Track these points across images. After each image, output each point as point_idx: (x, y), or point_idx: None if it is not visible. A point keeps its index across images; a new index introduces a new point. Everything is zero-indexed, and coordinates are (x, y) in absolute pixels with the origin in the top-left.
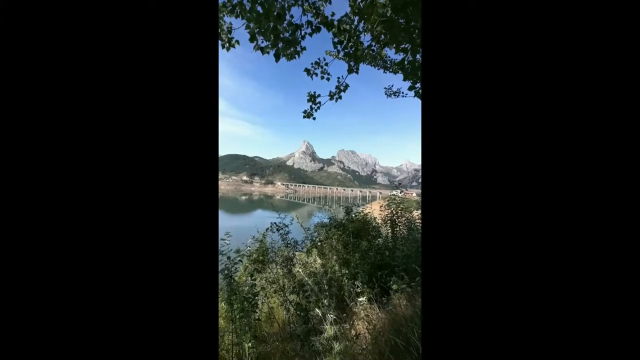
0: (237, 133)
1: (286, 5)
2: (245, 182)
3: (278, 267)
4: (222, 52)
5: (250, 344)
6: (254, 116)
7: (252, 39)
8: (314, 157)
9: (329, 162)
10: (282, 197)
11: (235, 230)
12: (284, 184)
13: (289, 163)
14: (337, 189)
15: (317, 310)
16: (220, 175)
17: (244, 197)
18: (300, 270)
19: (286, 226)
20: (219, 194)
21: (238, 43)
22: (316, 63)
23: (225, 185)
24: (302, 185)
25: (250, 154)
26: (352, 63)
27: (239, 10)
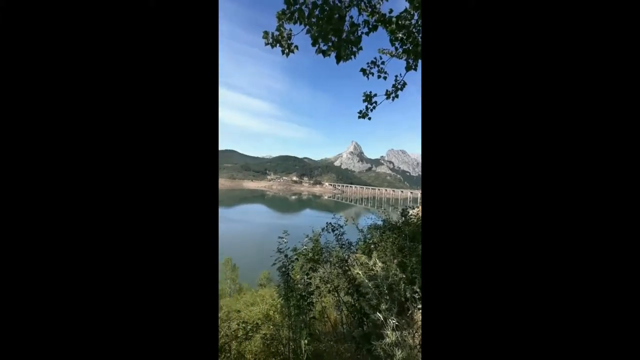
0: (288, 135)
1: (343, 6)
2: (295, 182)
3: (333, 267)
4: (271, 58)
5: (306, 341)
6: (303, 118)
7: (315, 42)
8: (361, 158)
9: (377, 162)
10: (330, 197)
11: (286, 228)
12: (331, 185)
13: (337, 164)
14: (385, 190)
15: (378, 314)
16: (272, 176)
17: (293, 197)
18: (359, 272)
19: (341, 227)
20: (271, 194)
21: (297, 48)
22: (372, 62)
23: (277, 185)
24: (349, 185)
25: (299, 155)
26: (410, 60)
27: (297, 16)
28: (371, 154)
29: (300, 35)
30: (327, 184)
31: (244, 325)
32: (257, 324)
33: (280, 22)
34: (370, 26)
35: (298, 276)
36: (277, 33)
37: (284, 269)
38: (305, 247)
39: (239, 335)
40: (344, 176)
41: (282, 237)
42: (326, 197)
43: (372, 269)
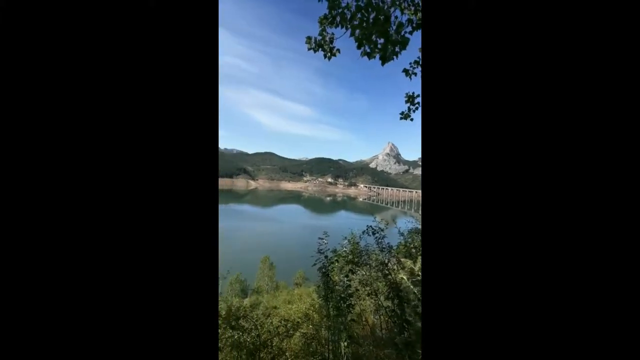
0: (323, 137)
1: (385, 7)
2: (330, 183)
3: (372, 270)
4: (308, 61)
5: (345, 343)
6: (339, 120)
7: (360, 45)
8: (398, 159)
9: (415, 164)
10: (365, 199)
11: (322, 229)
12: (366, 187)
13: (372, 165)
14: None
15: None
16: (308, 177)
17: (328, 198)
18: (404, 277)
19: (382, 230)
20: (307, 195)
21: (339, 51)
22: (415, 62)
23: (312, 186)
24: (385, 188)
25: (334, 157)
26: None
27: (339, 20)
28: (409, 155)
29: (339, 38)
30: (362, 185)
31: (284, 322)
32: (297, 322)
33: (323, 27)
34: (414, 25)
35: (336, 277)
36: (319, 37)
37: (324, 270)
38: (344, 249)
39: (280, 332)
40: (380, 178)
41: (322, 238)
42: (361, 199)
43: (418, 275)
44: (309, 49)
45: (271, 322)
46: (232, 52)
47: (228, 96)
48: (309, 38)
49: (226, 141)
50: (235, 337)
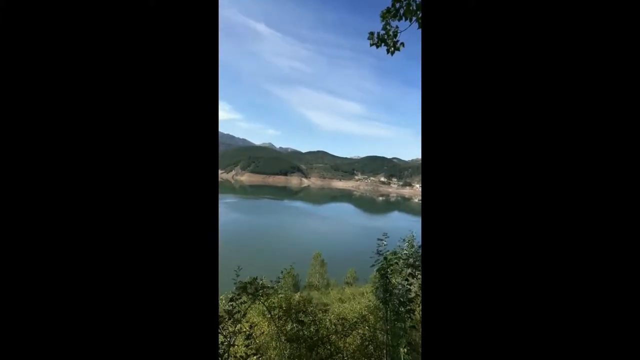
0: (377, 135)
1: None
2: (383, 183)
3: None
4: (362, 58)
5: (405, 350)
6: (393, 116)
7: None
8: None
9: None
10: (420, 200)
11: (375, 230)
12: None
13: None
14: None
15: None
16: (360, 176)
17: (380, 198)
18: None
19: None
20: (358, 194)
21: (403, 45)
22: None
23: (364, 185)
24: None
25: (388, 155)
26: None
27: (402, 12)
28: None
29: (402, 32)
30: (417, 185)
31: (342, 321)
32: (355, 322)
33: (385, 20)
34: None
35: (394, 280)
36: (382, 32)
37: (382, 272)
38: (405, 252)
39: (338, 330)
40: None
41: (382, 239)
42: (416, 200)
43: None
44: (371, 45)
45: (329, 319)
46: (286, 54)
47: (283, 97)
48: (371, 34)
49: (280, 140)
50: (296, 330)
